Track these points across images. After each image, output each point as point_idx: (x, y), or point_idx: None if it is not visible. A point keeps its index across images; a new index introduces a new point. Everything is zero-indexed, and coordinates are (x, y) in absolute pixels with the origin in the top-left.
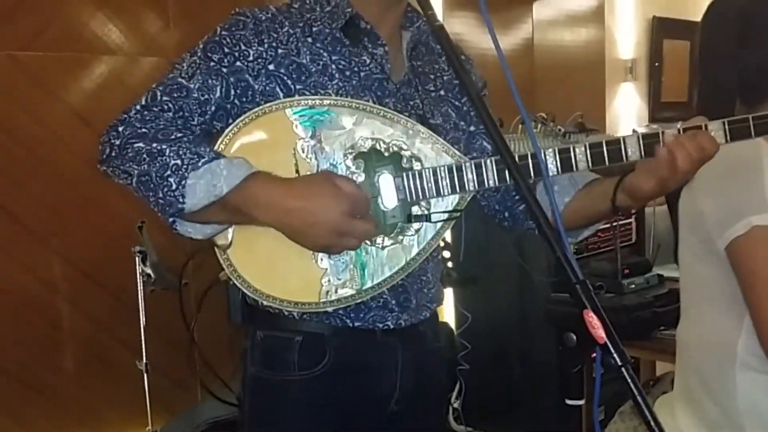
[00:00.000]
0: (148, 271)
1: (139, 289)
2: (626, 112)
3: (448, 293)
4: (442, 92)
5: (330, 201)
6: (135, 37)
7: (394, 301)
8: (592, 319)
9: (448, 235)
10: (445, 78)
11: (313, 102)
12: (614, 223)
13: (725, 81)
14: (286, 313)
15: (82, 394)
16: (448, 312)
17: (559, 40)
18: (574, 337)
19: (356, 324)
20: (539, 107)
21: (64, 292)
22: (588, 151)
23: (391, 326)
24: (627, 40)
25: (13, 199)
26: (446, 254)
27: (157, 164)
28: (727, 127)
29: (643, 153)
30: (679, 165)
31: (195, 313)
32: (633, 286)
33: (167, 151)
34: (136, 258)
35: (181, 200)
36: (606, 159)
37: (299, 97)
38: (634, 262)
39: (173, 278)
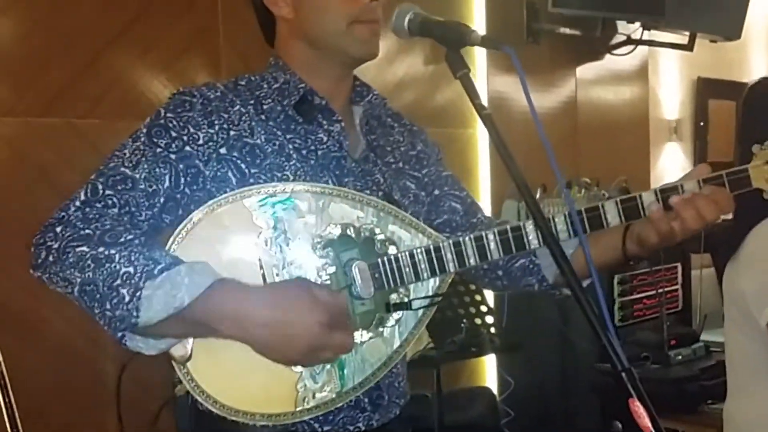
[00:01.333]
0: None
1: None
2: (671, 172)
3: (491, 359)
4: (400, 164)
5: (307, 312)
6: None
7: (366, 399)
8: (638, 409)
9: (491, 301)
10: (402, 149)
11: (274, 189)
12: (660, 290)
13: None
14: None
15: None
16: (490, 378)
17: (602, 99)
18: (620, 425)
19: (325, 428)
20: (583, 166)
21: (110, 351)
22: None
23: (362, 428)
24: (671, 99)
25: None
26: (489, 320)
27: (105, 272)
28: (701, 184)
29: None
30: (689, 224)
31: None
32: (680, 357)
33: (116, 256)
34: None
35: (134, 314)
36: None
37: (258, 186)
38: (680, 333)
39: None
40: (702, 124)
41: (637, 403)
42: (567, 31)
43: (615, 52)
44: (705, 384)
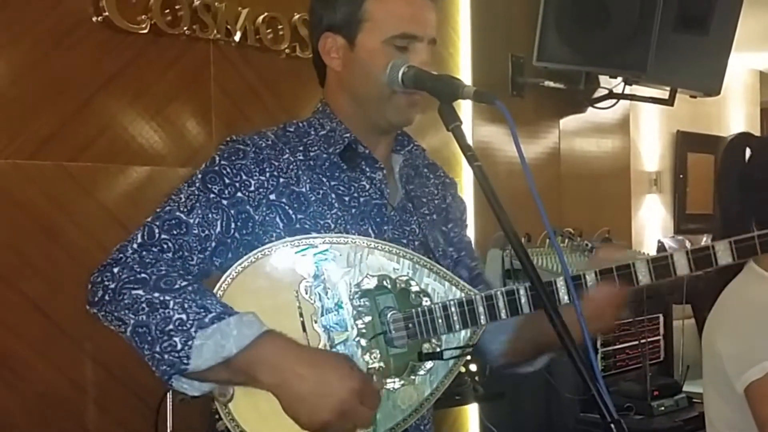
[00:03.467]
0: None
1: (168, 397)
2: (652, 223)
3: (474, 407)
4: (434, 216)
5: (344, 377)
6: (179, 148)
7: None
8: None
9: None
10: (436, 201)
11: (315, 241)
12: (642, 341)
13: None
14: None
15: None
16: (473, 426)
17: (585, 150)
18: None
19: None
20: (565, 216)
21: (92, 395)
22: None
23: None
24: (652, 152)
25: (51, 303)
26: (473, 368)
27: (158, 317)
28: (733, 246)
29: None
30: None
31: None
32: (662, 408)
33: (170, 303)
34: None
35: (185, 361)
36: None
37: (300, 237)
38: (663, 384)
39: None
40: (681, 176)
41: None
42: (551, 84)
43: (597, 105)
44: None
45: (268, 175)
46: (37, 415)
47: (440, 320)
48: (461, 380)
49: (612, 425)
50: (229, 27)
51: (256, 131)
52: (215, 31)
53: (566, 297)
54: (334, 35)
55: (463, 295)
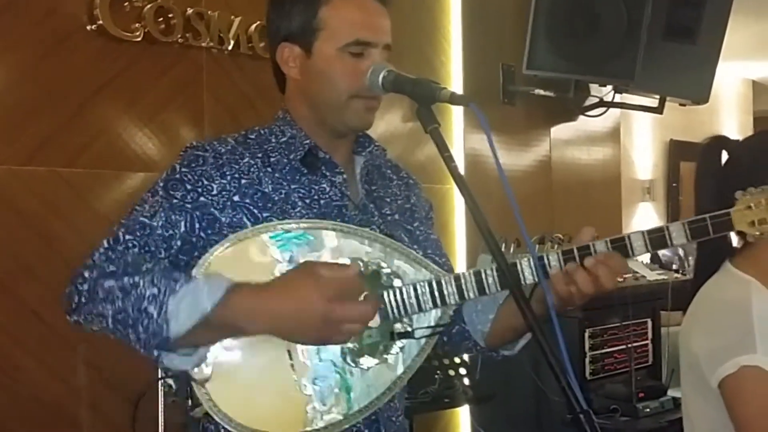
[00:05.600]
0: (170, 382)
1: (159, 399)
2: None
3: (464, 410)
4: (396, 216)
5: (312, 293)
6: (172, 155)
7: (366, 431)
8: None
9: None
10: (399, 202)
11: (289, 226)
12: (629, 345)
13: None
14: None
15: None
16: (464, 429)
17: (576, 158)
18: None
19: None
20: (557, 223)
21: (87, 398)
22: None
23: None
24: (644, 161)
25: (49, 308)
26: (462, 371)
27: (133, 298)
28: (687, 227)
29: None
30: (584, 288)
31: None
32: (648, 410)
33: (141, 282)
34: (160, 370)
35: (165, 328)
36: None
37: (275, 222)
38: (648, 386)
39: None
40: (675, 184)
41: None
42: (541, 92)
43: (588, 113)
44: None
45: (229, 178)
46: (32, 419)
47: (411, 300)
48: (451, 383)
49: (581, 416)
50: (221, 35)
51: (216, 137)
52: (208, 39)
53: (531, 277)
54: (291, 45)
55: (432, 276)
